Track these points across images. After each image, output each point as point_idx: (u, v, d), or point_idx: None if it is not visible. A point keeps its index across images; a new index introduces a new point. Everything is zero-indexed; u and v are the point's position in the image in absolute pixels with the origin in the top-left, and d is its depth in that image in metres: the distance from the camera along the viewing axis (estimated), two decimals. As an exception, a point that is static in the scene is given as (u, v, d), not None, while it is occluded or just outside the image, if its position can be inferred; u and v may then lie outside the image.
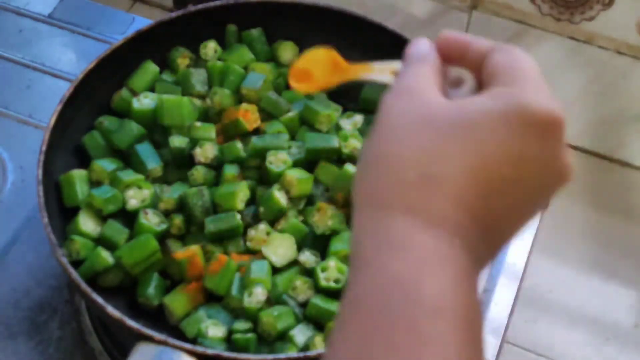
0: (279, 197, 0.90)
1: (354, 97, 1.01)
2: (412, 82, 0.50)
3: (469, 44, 0.52)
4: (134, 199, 0.90)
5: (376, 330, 0.43)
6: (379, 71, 0.58)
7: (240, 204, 0.90)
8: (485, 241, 0.46)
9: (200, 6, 1.01)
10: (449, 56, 0.52)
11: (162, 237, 0.89)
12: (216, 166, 0.94)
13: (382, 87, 1.04)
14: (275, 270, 0.88)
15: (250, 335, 0.84)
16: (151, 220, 0.89)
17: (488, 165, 0.45)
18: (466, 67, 0.52)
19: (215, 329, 0.84)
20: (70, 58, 1.16)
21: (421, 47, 0.53)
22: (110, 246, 0.88)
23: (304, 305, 0.86)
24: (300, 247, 0.89)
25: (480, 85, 0.50)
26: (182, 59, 1.02)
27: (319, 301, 0.85)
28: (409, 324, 0.42)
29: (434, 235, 0.44)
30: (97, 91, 0.97)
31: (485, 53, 0.50)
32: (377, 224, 0.46)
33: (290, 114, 0.98)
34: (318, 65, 0.63)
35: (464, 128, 0.46)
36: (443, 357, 0.42)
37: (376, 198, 0.47)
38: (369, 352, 0.42)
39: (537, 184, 0.47)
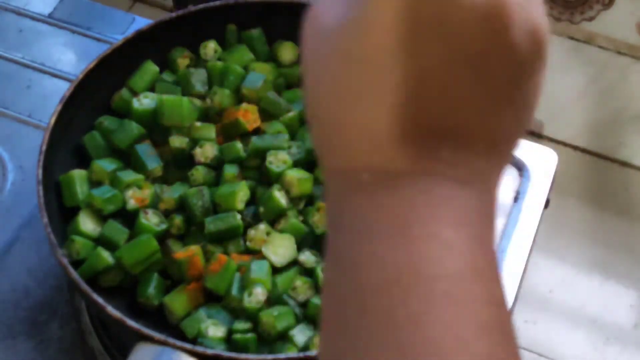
0: (279, 197, 0.90)
1: (354, 97, 1.01)
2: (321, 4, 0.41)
3: None
4: (133, 199, 0.90)
5: (389, 285, 0.35)
6: None
7: (240, 204, 0.90)
8: (451, 150, 0.36)
9: (200, 6, 1.01)
10: None
11: (162, 237, 0.89)
12: (216, 166, 0.94)
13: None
14: (275, 270, 0.88)
15: (250, 335, 0.84)
16: (151, 220, 0.89)
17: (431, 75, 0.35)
18: None
19: (215, 329, 0.84)
20: (70, 58, 1.16)
21: None
22: (111, 246, 0.88)
23: (304, 305, 0.86)
24: (300, 247, 0.89)
25: None
26: (182, 59, 1.02)
27: (319, 301, 0.85)
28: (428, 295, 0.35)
29: (377, 193, 0.36)
30: (97, 91, 0.97)
31: None
32: (337, 199, 0.38)
33: (290, 114, 0.98)
34: None
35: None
36: (457, 294, 0.34)
37: (329, 160, 0.38)
38: (377, 300, 0.35)
39: (513, 68, 0.36)
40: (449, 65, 0.35)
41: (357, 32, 0.36)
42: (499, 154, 0.38)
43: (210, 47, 1.02)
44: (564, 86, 1.66)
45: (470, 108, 0.36)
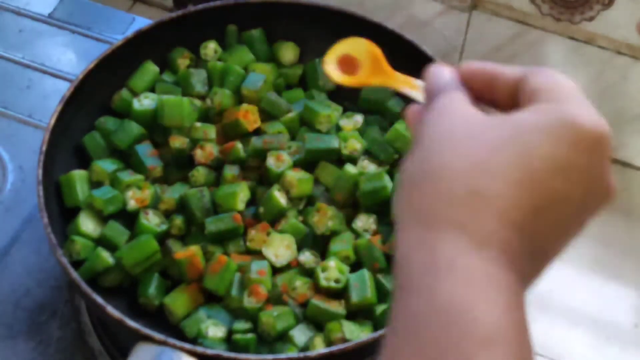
0: (279, 197, 0.90)
1: (354, 97, 1.01)
2: (450, 103, 0.49)
3: (498, 74, 0.50)
4: (134, 199, 0.90)
5: None
6: (418, 88, 0.56)
7: (240, 204, 0.90)
8: (531, 260, 0.45)
9: (200, 6, 1.01)
10: (476, 87, 0.51)
11: (163, 238, 0.89)
12: (216, 167, 0.94)
13: (382, 89, 1.04)
14: (275, 270, 0.88)
15: (250, 335, 0.84)
16: (151, 220, 0.89)
17: (536, 178, 0.44)
18: (495, 99, 0.50)
19: (215, 329, 0.84)
20: (70, 58, 1.16)
21: (444, 76, 0.51)
22: (111, 247, 0.88)
23: (304, 305, 0.86)
24: (300, 247, 0.89)
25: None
26: (182, 59, 1.02)
27: (319, 301, 0.85)
28: (462, 356, 0.41)
29: (481, 255, 0.43)
30: (97, 91, 0.97)
31: (518, 80, 0.49)
32: (423, 244, 0.45)
33: (290, 115, 0.98)
34: (362, 57, 0.59)
35: (511, 141, 0.45)
36: None
37: (422, 215, 0.45)
38: None
39: (583, 200, 0.46)
40: (561, 204, 0.45)
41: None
42: (543, 269, 0.47)
43: (211, 48, 1.02)
44: (564, 86, 1.66)
45: (560, 238, 0.46)
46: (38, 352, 0.92)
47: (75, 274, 0.81)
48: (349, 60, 0.59)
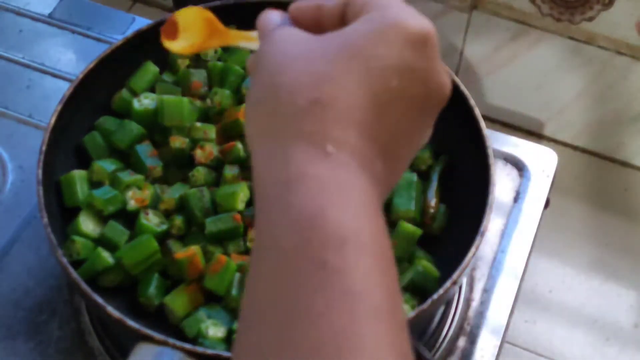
0: (279, 197, 0.90)
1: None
2: (280, 34, 0.50)
3: (321, 6, 0.52)
4: (134, 199, 0.90)
5: (285, 274, 0.43)
6: (255, 39, 0.57)
7: (240, 204, 0.90)
8: (383, 162, 0.47)
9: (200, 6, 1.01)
10: (306, 24, 0.52)
11: (163, 238, 0.89)
12: (216, 167, 0.94)
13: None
14: (275, 271, 0.88)
15: (250, 335, 0.83)
16: (152, 220, 0.89)
17: (373, 80, 0.46)
18: (326, 29, 0.52)
19: (215, 329, 0.84)
20: (70, 58, 1.16)
21: (274, 18, 0.53)
22: (111, 247, 0.88)
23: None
24: (300, 247, 0.89)
25: None
26: (182, 59, 1.02)
27: (319, 301, 0.85)
28: (317, 260, 0.42)
29: (331, 163, 0.45)
30: (97, 91, 0.97)
31: (343, 5, 0.51)
32: (273, 158, 0.46)
33: (290, 114, 0.98)
34: (192, 24, 0.61)
35: (344, 49, 0.47)
36: (353, 286, 0.42)
37: (270, 131, 0.47)
38: (280, 295, 0.43)
39: (422, 97, 0.48)
40: (400, 102, 0.47)
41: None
42: (397, 173, 0.49)
43: (211, 47, 1.02)
44: (564, 86, 1.66)
45: (406, 139, 0.48)
46: (38, 352, 0.92)
47: (75, 274, 0.81)
48: (178, 30, 0.62)
